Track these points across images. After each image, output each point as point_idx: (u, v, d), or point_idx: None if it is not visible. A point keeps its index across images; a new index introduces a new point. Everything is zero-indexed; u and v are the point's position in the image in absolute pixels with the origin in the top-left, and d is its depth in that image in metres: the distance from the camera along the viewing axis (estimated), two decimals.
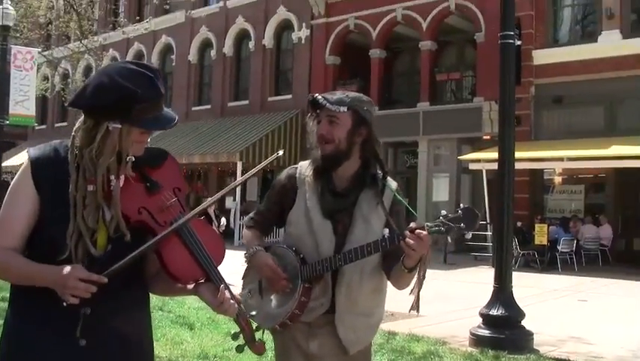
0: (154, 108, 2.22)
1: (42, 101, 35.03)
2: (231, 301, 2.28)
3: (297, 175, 3.07)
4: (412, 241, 2.68)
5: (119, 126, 2.18)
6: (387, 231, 2.86)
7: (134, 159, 2.29)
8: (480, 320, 8.26)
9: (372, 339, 3.13)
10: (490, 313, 8.12)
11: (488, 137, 21.91)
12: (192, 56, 32.59)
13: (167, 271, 2.26)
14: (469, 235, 2.83)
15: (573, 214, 20.77)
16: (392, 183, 3.06)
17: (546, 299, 12.52)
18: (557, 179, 22.00)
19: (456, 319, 9.62)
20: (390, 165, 26.22)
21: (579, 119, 20.43)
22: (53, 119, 41.24)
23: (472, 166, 20.29)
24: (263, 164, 2.65)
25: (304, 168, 3.08)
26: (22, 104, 19.54)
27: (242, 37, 30.77)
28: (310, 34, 27.78)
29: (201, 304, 9.76)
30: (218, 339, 7.65)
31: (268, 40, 29.35)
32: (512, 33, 8.44)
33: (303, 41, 28.05)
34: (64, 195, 2.20)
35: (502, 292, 8.20)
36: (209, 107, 31.53)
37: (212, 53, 31.64)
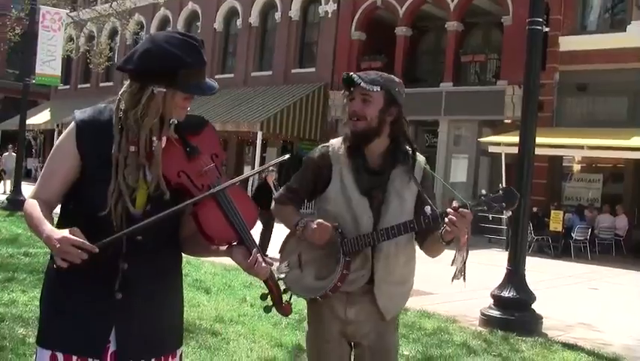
0: (197, 75, 2.34)
1: (66, 62, 35.18)
2: (263, 263, 2.39)
3: (330, 153, 3.17)
4: (455, 219, 2.84)
5: (164, 90, 2.29)
6: (428, 208, 3.01)
7: (176, 122, 2.41)
8: (491, 301, 8.39)
9: (405, 305, 3.29)
10: (502, 294, 8.24)
11: (509, 120, 21.88)
12: (218, 24, 32.64)
13: (202, 232, 2.37)
14: (508, 213, 3.00)
15: (589, 203, 20.77)
16: (421, 158, 3.21)
17: (557, 285, 12.61)
18: (576, 167, 21.98)
19: (467, 299, 9.72)
20: None
21: (602, 109, 20.38)
22: (77, 81, 41.52)
23: (492, 149, 20.29)
24: (273, 162, 2.74)
25: (336, 146, 3.18)
26: (49, 64, 19.77)
27: (268, 7, 30.77)
28: (337, 8, 27.74)
29: (217, 269, 9.99)
30: (234, 304, 7.83)
31: (295, 12, 29.35)
32: (541, 20, 8.46)
33: (329, 15, 28.02)
34: (106, 155, 2.32)
35: (515, 275, 8.32)
36: (232, 75, 31.61)
37: (238, 22, 31.68)
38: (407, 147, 3.16)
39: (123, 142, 2.34)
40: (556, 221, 18.08)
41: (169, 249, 2.50)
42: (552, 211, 18.44)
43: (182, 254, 2.61)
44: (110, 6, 21.00)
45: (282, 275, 2.73)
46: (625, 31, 19.78)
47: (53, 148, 2.42)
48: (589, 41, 20.23)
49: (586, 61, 20.00)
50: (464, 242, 3.00)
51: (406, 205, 3.09)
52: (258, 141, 25.83)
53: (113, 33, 35.99)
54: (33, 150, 41.52)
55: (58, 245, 2.14)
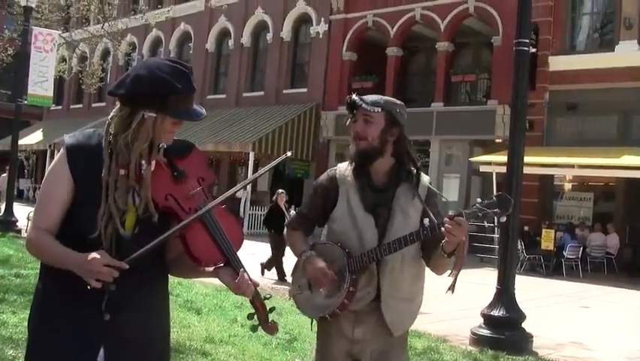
0: (186, 101, 2.40)
1: (59, 83, 35.25)
2: (249, 282, 2.45)
3: (337, 175, 3.29)
4: (450, 227, 2.90)
5: (154, 115, 2.35)
6: (427, 220, 3.11)
7: (165, 147, 2.46)
8: (481, 320, 8.40)
9: (413, 323, 3.33)
10: (492, 313, 8.27)
11: (500, 140, 21.98)
12: (210, 45, 32.81)
13: (190, 254, 2.43)
14: (503, 219, 3.06)
15: (581, 221, 20.85)
16: (425, 178, 3.30)
17: (549, 304, 12.64)
18: (567, 185, 22.08)
19: (458, 318, 9.76)
20: None
21: (592, 128, 20.53)
22: (69, 101, 41.58)
23: (483, 168, 20.39)
24: (273, 164, 2.82)
25: (343, 168, 3.31)
26: (41, 85, 19.80)
27: (260, 28, 30.96)
28: (328, 29, 27.93)
29: (208, 290, 9.97)
30: (225, 324, 7.82)
31: (286, 33, 29.53)
32: (527, 40, 8.59)
33: (320, 36, 28.20)
34: (96, 179, 2.37)
35: (505, 294, 8.35)
36: (224, 96, 31.73)
37: (230, 42, 31.85)
38: (411, 167, 3.25)
39: (113, 166, 2.38)
40: (547, 240, 18.14)
41: (156, 271, 2.54)
42: (543, 230, 18.50)
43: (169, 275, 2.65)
44: (102, 27, 21.08)
45: (292, 297, 2.89)
46: (614, 50, 19.99)
47: (46, 175, 2.46)
48: (578, 61, 20.39)
49: (575, 80, 20.17)
50: (461, 255, 3.06)
51: (410, 222, 3.17)
52: (250, 161, 25.89)
53: (106, 54, 36.07)
54: (25, 171, 41.44)
55: (91, 268, 2.23)
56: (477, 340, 8.18)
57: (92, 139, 2.46)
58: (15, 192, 20.22)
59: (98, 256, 2.24)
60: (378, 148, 3.17)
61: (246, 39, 31.10)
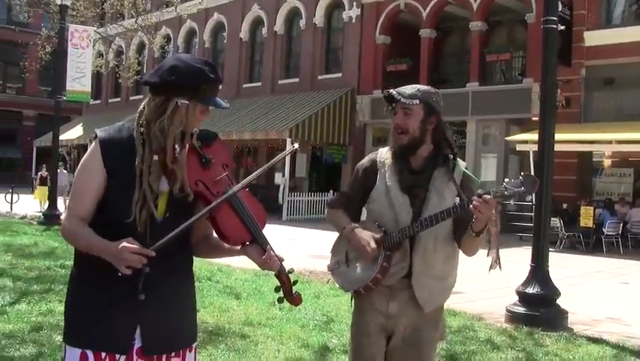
0: (214, 91, 2.62)
1: (96, 77, 35.85)
2: (276, 258, 2.65)
3: (378, 159, 3.45)
4: (478, 204, 3.04)
5: (187, 102, 2.55)
6: (457, 199, 3.25)
7: (197, 132, 2.67)
8: (516, 297, 8.47)
9: (446, 301, 3.47)
10: (526, 291, 8.33)
11: (537, 118, 21.77)
12: (244, 34, 32.99)
13: (220, 233, 2.64)
14: (529, 198, 3.20)
15: (620, 197, 20.63)
16: (461, 163, 3.43)
17: (587, 281, 12.62)
18: (606, 162, 21.84)
19: (494, 297, 9.83)
20: None
21: (630, 102, 20.27)
22: (107, 95, 42.19)
23: (520, 147, 20.27)
24: (281, 156, 2.99)
25: (384, 152, 3.47)
26: (79, 81, 20.22)
27: (293, 15, 31.07)
28: (361, 13, 27.91)
29: (248, 275, 10.19)
30: (263, 308, 8.01)
31: (319, 19, 29.59)
32: (555, 18, 8.54)
33: (353, 20, 28.20)
34: (129, 168, 2.56)
35: (539, 271, 8.39)
36: (259, 84, 31.95)
37: (264, 30, 32.00)
38: (449, 152, 3.39)
39: (146, 153, 2.57)
40: (586, 217, 18.01)
41: (184, 252, 2.73)
42: (582, 207, 18.35)
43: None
44: (136, 21, 21.40)
45: (331, 271, 3.10)
46: None
47: (79, 167, 2.63)
48: (614, 35, 20.13)
49: (612, 55, 19.92)
50: (495, 232, 3.18)
51: (445, 203, 3.27)
52: (287, 148, 26.05)
53: (141, 47, 36.56)
54: (67, 166, 42.25)
55: (122, 256, 2.39)
56: (512, 317, 8.25)
57: (122, 131, 2.64)
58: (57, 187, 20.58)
59: (127, 245, 2.39)
60: (419, 138, 3.31)
61: (279, 26, 31.24)
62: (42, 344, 5.93)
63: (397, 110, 3.33)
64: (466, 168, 3.44)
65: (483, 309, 8.91)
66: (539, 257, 8.47)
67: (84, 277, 2.62)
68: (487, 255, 3.42)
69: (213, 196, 2.63)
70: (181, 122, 2.56)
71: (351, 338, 3.53)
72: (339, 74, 28.76)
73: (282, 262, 2.71)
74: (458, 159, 3.41)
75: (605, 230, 18.12)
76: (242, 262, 8.14)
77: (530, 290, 8.29)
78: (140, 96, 37.83)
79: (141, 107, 2.66)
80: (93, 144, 2.62)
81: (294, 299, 2.82)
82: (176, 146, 2.59)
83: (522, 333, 7.63)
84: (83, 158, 2.65)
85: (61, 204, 20.14)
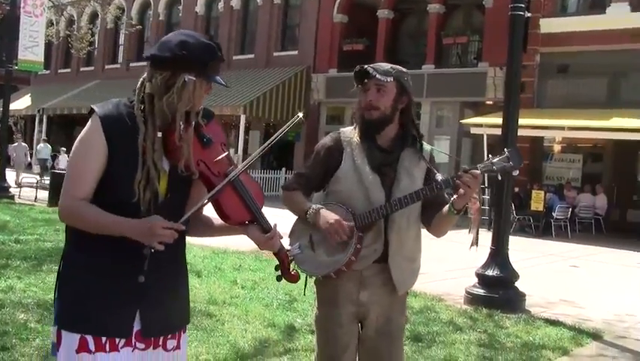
0: (218, 68, 2.58)
1: (47, 47, 35.01)
2: (277, 237, 2.66)
3: (342, 138, 3.35)
4: (467, 179, 3.02)
5: (194, 79, 2.49)
6: (439, 176, 3.23)
7: (202, 110, 2.62)
8: (475, 279, 8.62)
9: (414, 285, 3.44)
10: (486, 273, 8.48)
11: (491, 102, 22.16)
12: (199, 8, 32.56)
13: (222, 213, 2.60)
14: (516, 172, 3.21)
15: (567, 181, 21.07)
16: (426, 145, 3.40)
17: (539, 264, 12.89)
18: (557, 147, 22.27)
19: (452, 278, 9.98)
20: None
21: (582, 90, 20.68)
22: (57, 66, 41.18)
23: (474, 130, 20.51)
24: (287, 126, 2.80)
25: (348, 132, 3.39)
26: (32, 50, 19.73)
27: None
28: None
29: (206, 252, 10.13)
30: (225, 286, 7.99)
31: None
32: (523, 5, 8.64)
33: None
34: (130, 146, 2.48)
35: (499, 254, 8.55)
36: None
37: (220, 5, 31.61)
38: (414, 132, 3.35)
39: (150, 129, 2.50)
40: (537, 201, 18.37)
41: (178, 234, 2.67)
42: (533, 191, 18.69)
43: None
44: None
45: (292, 256, 2.95)
46: (605, 12, 20.03)
47: (77, 145, 2.52)
48: (569, 23, 20.42)
49: (566, 42, 20.21)
50: (477, 209, 3.19)
51: (415, 183, 3.26)
52: (241, 125, 25.93)
53: (93, 17, 35.81)
54: (14, 137, 41.29)
55: (155, 232, 2.36)
56: (471, 299, 8.40)
57: (120, 107, 2.55)
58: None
59: (158, 221, 2.37)
60: (389, 117, 3.25)
61: (235, 1, 30.87)
62: (5, 322, 5.79)
63: (370, 87, 3.24)
64: (432, 150, 3.41)
65: (442, 290, 9.03)
66: (499, 241, 8.63)
67: (82, 259, 2.53)
68: (469, 232, 3.43)
69: (215, 177, 2.59)
70: (189, 98, 2.50)
71: (319, 330, 3.39)
72: (295, 52, 28.62)
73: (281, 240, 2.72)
74: (424, 142, 3.38)
75: (554, 214, 18.51)
76: (199, 240, 8.10)
77: (490, 273, 8.44)
78: (92, 68, 37.25)
79: (140, 82, 2.57)
80: (91, 120, 2.52)
81: (292, 277, 2.84)
82: (181, 123, 2.53)
83: (482, 315, 7.77)
84: (81, 135, 2.54)
85: (13, 176, 19.67)
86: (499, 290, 8.29)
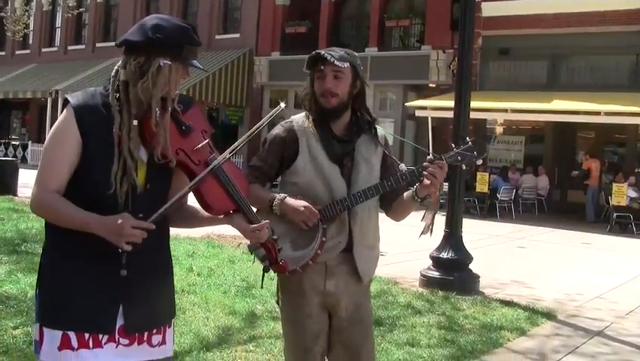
0: (195, 53, 2.49)
1: None
2: (264, 227, 2.59)
3: (295, 127, 3.24)
4: (434, 170, 3.01)
5: (170, 63, 2.40)
6: (403, 166, 3.17)
7: (178, 95, 2.51)
8: (429, 262, 8.69)
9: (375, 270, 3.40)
10: (440, 256, 8.55)
11: (434, 85, 22.37)
12: None
13: (204, 203, 2.52)
14: (480, 162, 3.21)
15: (512, 164, 21.45)
16: (380, 129, 3.34)
17: (487, 245, 13.08)
18: (499, 129, 22.61)
19: (405, 261, 10.05)
20: None
21: (523, 73, 21.05)
22: None
23: (418, 113, 20.66)
24: (268, 116, 2.74)
25: (300, 120, 3.27)
26: None
27: None
28: None
29: None
30: (181, 274, 7.86)
31: None
32: None
33: None
34: (106, 135, 2.39)
35: (453, 237, 8.63)
36: None
37: None
38: (368, 117, 3.29)
39: (125, 117, 2.41)
40: (482, 183, 18.65)
41: (162, 225, 2.57)
42: (478, 173, 18.94)
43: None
44: None
45: (252, 252, 2.88)
46: None
47: (51, 136, 2.43)
48: (510, 7, 20.63)
49: (507, 26, 20.47)
50: (436, 198, 3.18)
51: (374, 170, 3.23)
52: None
53: None
54: None
55: (122, 231, 2.25)
56: (426, 281, 8.46)
57: (96, 97, 2.46)
58: None
59: (126, 219, 2.26)
60: (346, 103, 3.18)
61: None
62: None
63: (327, 73, 3.14)
64: (386, 134, 3.37)
65: (396, 273, 9.08)
66: (453, 223, 8.71)
67: (62, 254, 2.44)
68: (422, 219, 3.42)
69: (195, 165, 2.51)
70: (165, 83, 2.40)
71: (287, 322, 3.30)
72: (237, 35, 28.31)
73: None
74: (377, 125, 3.34)
75: (499, 196, 18.82)
76: None
77: (445, 255, 8.52)
78: (28, 51, 36.21)
79: (115, 70, 2.48)
80: (65, 110, 2.43)
81: (280, 267, 2.78)
82: (157, 110, 2.43)
83: (438, 297, 7.84)
84: (54, 126, 2.45)
85: None
86: (453, 272, 8.38)
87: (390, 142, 3.50)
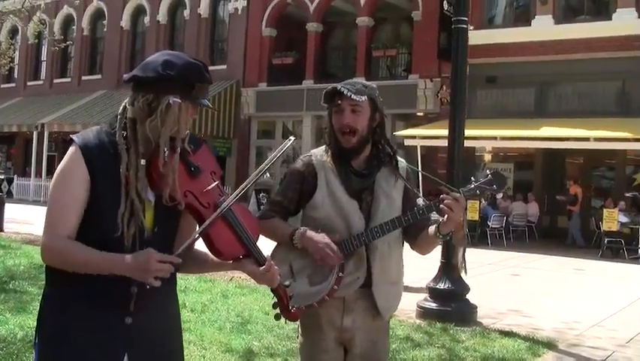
0: (206, 91, 2.39)
1: None
2: (276, 272, 2.49)
3: (314, 161, 3.19)
4: (450, 202, 2.91)
5: (180, 101, 2.30)
6: (420, 200, 3.13)
7: (189, 134, 2.41)
8: (426, 293, 8.57)
9: (398, 306, 3.32)
10: (437, 286, 8.44)
11: (422, 114, 22.43)
12: (125, 22, 31.99)
13: (213, 248, 2.40)
14: (500, 195, 3.12)
15: (502, 192, 21.45)
16: (402, 161, 3.28)
17: (480, 273, 12.94)
18: (487, 156, 22.65)
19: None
20: (325, 138, 26.43)
21: (511, 100, 21.14)
22: None
23: (408, 142, 20.64)
24: (280, 149, 2.63)
25: (319, 154, 3.22)
26: None
27: (177, 4, 30.38)
28: (247, 4, 27.65)
29: None
30: None
31: (204, 9, 29.08)
32: (466, 18, 8.70)
33: (239, 12, 27.89)
34: (113, 176, 2.28)
35: (449, 267, 8.52)
36: None
37: (146, 20, 31.13)
38: (388, 150, 3.22)
39: (132, 157, 2.31)
40: (472, 211, 18.57)
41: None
42: (468, 201, 18.86)
43: None
44: (22, 5, 20.18)
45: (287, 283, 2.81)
46: (530, 25, 20.54)
47: (57, 178, 2.31)
48: (496, 35, 20.82)
49: (494, 54, 20.59)
50: (462, 234, 3.11)
51: (394, 204, 3.16)
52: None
53: (13, 32, 34.82)
54: None
55: (150, 266, 2.16)
56: (423, 313, 8.34)
57: (102, 135, 2.36)
58: None
59: (151, 254, 2.18)
60: (366, 138, 3.13)
61: (162, 16, 30.44)
62: None
63: (344, 108, 3.09)
64: (409, 166, 3.31)
65: None
66: (449, 253, 8.59)
67: (63, 300, 2.31)
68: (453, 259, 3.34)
69: (204, 208, 2.39)
70: (174, 122, 2.30)
71: (304, 357, 3.28)
72: (224, 66, 28.33)
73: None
74: (398, 157, 3.27)
75: (490, 223, 18.78)
76: None
77: (441, 286, 8.40)
78: (13, 84, 36.07)
79: (122, 107, 2.38)
80: (71, 150, 2.32)
81: (293, 315, 2.66)
82: (165, 149, 2.33)
83: (437, 329, 7.72)
84: (60, 167, 2.32)
85: None
86: (451, 303, 8.26)
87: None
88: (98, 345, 2.28)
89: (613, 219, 17.11)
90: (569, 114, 19.31)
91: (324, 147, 3.25)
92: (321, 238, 3.02)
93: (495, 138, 19.02)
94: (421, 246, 3.24)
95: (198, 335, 6.67)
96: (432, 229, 3.11)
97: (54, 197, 2.31)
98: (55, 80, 34.63)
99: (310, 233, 3.04)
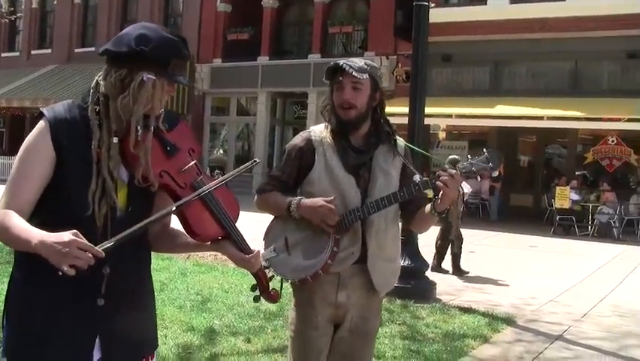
0: (183, 68, 2.28)
1: None
2: (258, 255, 2.41)
3: (313, 137, 3.22)
4: (446, 179, 2.92)
5: (154, 78, 2.20)
6: (417, 176, 3.12)
7: (163, 113, 2.31)
8: None
9: (394, 284, 3.33)
10: None
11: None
12: None
13: (189, 229, 2.31)
14: (495, 174, 3.13)
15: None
16: (400, 140, 3.29)
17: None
18: (441, 134, 22.81)
19: None
20: (279, 116, 26.33)
21: (466, 78, 21.27)
22: None
23: None
24: (242, 168, 2.49)
25: (318, 131, 3.24)
26: None
27: None
28: None
29: None
30: None
31: None
32: None
33: None
34: (84, 153, 2.18)
35: (409, 245, 8.54)
36: (93, 49, 30.39)
37: None
38: (387, 128, 3.24)
39: (105, 134, 2.21)
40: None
41: (143, 250, 2.41)
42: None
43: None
44: None
45: (267, 260, 2.78)
46: (485, 4, 20.65)
47: (22, 152, 2.20)
48: (453, 14, 20.88)
49: (450, 32, 20.62)
50: (456, 215, 3.11)
51: (392, 181, 3.17)
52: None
53: None
54: None
55: (65, 249, 1.92)
56: None
57: (73, 110, 2.25)
58: None
59: (75, 238, 1.94)
60: (365, 115, 3.15)
61: None
62: None
63: (345, 84, 3.11)
64: (406, 144, 3.33)
65: None
66: (409, 230, 8.61)
67: (32, 281, 2.20)
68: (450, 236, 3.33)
69: (181, 188, 2.30)
70: (147, 100, 2.20)
71: (293, 333, 3.26)
72: None
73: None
74: (397, 136, 3.28)
75: None
76: None
77: (402, 263, 8.41)
78: None
79: (95, 81, 2.28)
80: (40, 124, 2.21)
81: (272, 296, 2.60)
82: (139, 127, 2.23)
83: (397, 306, 7.75)
84: (27, 140, 2.21)
85: None
86: (411, 280, 8.28)
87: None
88: (67, 328, 2.19)
89: (565, 197, 17.42)
90: (523, 93, 19.54)
91: (323, 124, 3.27)
92: (318, 200, 3.05)
93: (450, 116, 19.18)
94: (418, 224, 3.30)
95: (159, 315, 6.50)
96: (428, 206, 3.15)
97: (14, 172, 2.20)
98: (3, 54, 33.75)
99: (305, 200, 3.08)
